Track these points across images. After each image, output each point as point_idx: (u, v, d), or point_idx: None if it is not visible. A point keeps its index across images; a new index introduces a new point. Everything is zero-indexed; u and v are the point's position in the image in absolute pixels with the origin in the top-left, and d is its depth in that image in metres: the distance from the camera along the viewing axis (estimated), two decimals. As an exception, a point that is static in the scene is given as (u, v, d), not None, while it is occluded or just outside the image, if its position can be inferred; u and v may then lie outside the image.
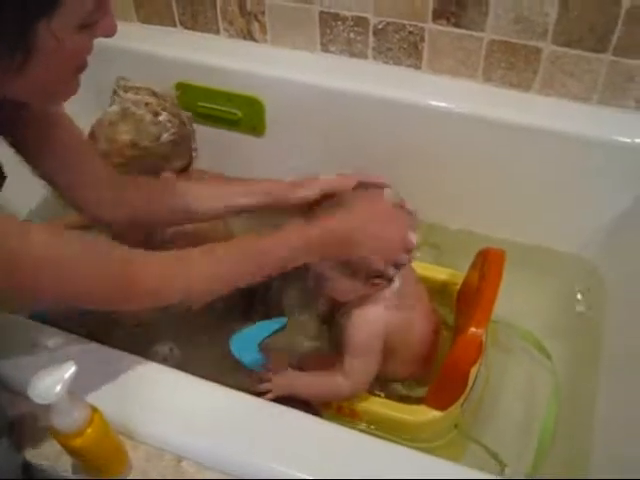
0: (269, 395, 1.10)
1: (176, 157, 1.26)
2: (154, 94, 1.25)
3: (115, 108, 1.21)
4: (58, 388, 0.71)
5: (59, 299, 0.80)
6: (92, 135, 1.20)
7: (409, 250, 1.06)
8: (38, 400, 0.71)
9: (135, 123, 1.20)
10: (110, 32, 0.78)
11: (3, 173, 0.84)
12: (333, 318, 1.24)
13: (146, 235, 1.28)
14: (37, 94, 0.79)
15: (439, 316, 1.28)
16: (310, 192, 1.13)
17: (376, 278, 1.06)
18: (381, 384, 1.22)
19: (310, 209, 1.12)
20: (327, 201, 1.10)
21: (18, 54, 0.69)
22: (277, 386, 1.12)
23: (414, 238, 1.06)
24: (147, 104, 1.23)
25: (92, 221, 1.09)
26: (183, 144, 1.27)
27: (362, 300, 1.11)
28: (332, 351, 1.27)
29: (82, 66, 0.80)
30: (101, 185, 1.04)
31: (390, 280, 1.07)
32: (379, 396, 1.20)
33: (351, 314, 1.12)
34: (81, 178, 1.01)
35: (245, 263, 0.95)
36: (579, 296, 1.46)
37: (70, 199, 1.03)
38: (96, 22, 0.75)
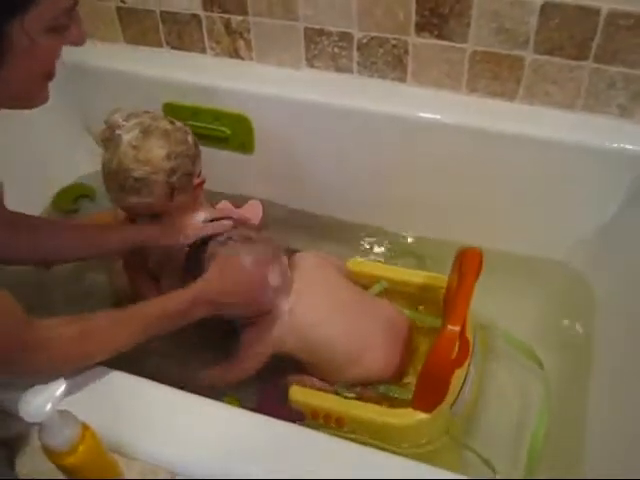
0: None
1: (199, 159, 1.27)
2: (148, 111, 1.26)
3: (132, 134, 1.18)
4: (48, 406, 0.71)
5: None
6: (116, 170, 1.19)
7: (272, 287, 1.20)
8: (28, 419, 0.71)
9: (162, 135, 1.20)
10: (79, 40, 0.79)
11: None
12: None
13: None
14: (6, 98, 0.79)
15: (397, 314, 1.32)
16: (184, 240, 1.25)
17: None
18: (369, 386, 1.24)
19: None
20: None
21: None
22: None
23: (273, 277, 1.20)
24: (161, 117, 1.24)
25: None
26: (198, 146, 1.29)
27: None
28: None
29: (51, 73, 0.80)
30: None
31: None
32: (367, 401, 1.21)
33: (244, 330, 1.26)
34: None
35: (126, 333, 1.01)
36: (568, 305, 1.46)
37: None
38: (67, 27, 0.76)
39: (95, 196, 1.71)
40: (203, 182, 1.28)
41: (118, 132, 1.18)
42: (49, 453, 0.76)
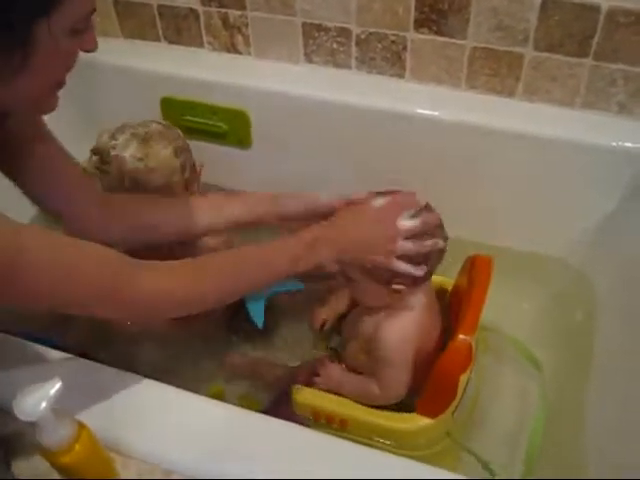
0: (321, 385, 1.17)
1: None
2: (126, 123, 1.24)
3: (132, 148, 1.16)
4: (43, 405, 0.70)
5: (53, 305, 0.79)
6: (132, 186, 1.17)
7: (395, 243, 1.03)
8: (23, 417, 0.70)
9: (160, 137, 1.19)
10: (93, 46, 0.79)
11: None
12: (344, 321, 1.27)
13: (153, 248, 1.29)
14: (17, 104, 0.79)
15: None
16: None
17: (397, 284, 1.06)
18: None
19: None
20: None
21: (17, 55, 0.69)
22: (328, 377, 1.18)
23: (402, 230, 1.03)
24: (146, 121, 1.23)
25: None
26: None
27: (391, 310, 1.11)
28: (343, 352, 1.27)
29: (63, 80, 0.80)
30: (86, 201, 1.04)
31: (412, 283, 1.07)
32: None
33: (382, 324, 1.11)
34: (63, 193, 1.00)
35: (246, 274, 0.99)
36: (568, 302, 1.46)
37: (54, 212, 1.03)
38: (85, 31, 0.76)
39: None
40: (201, 170, 1.27)
41: (114, 153, 1.16)
42: (45, 452, 0.75)
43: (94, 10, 0.76)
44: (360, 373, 1.19)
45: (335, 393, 1.17)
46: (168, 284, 0.89)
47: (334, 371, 1.20)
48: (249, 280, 1.00)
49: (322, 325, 1.30)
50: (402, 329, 1.10)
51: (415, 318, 1.11)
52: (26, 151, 0.93)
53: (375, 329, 1.12)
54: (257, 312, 1.15)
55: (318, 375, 1.20)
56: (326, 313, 1.30)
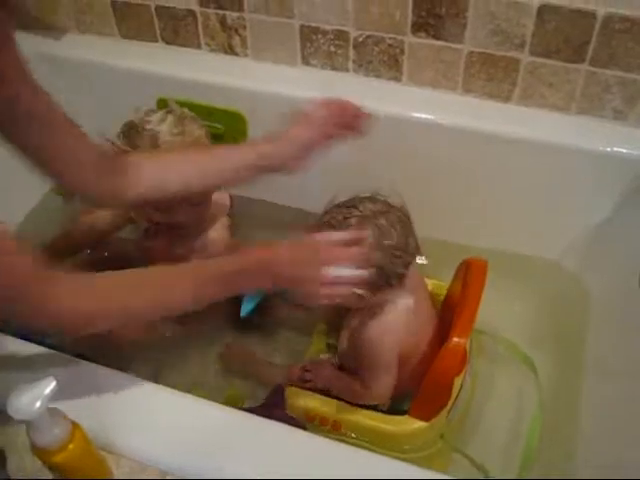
0: (311, 384, 1.18)
1: None
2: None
3: (169, 123, 1.19)
4: (38, 404, 0.70)
5: None
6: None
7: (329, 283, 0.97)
8: (17, 416, 0.70)
9: (194, 119, 1.24)
10: None
11: None
12: (339, 324, 1.25)
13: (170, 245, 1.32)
14: None
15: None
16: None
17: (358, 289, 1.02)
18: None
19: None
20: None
21: None
22: (318, 375, 1.20)
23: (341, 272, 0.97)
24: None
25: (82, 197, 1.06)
26: None
27: (376, 311, 1.10)
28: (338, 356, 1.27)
29: None
30: (85, 160, 0.97)
31: (373, 289, 1.04)
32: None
33: (367, 326, 1.11)
34: (61, 154, 0.94)
35: (142, 298, 0.90)
36: (562, 305, 1.46)
37: (53, 175, 0.96)
38: None
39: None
40: None
41: (150, 127, 1.18)
42: (38, 451, 0.75)
43: None
44: (353, 371, 1.19)
45: (326, 391, 1.18)
46: (64, 303, 0.82)
47: (325, 369, 1.21)
48: (144, 304, 0.90)
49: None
50: (383, 329, 1.10)
51: (398, 319, 1.10)
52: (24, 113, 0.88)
53: (359, 326, 1.12)
54: (248, 303, 1.15)
55: (309, 372, 1.21)
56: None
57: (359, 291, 1.01)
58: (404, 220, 1.07)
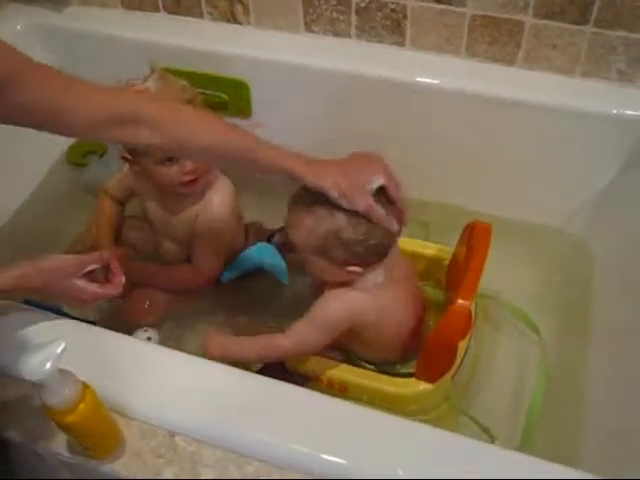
0: (210, 355, 1.15)
1: None
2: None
3: (153, 78, 1.22)
4: (49, 364, 0.72)
5: None
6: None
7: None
8: (29, 377, 0.72)
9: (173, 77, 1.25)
10: None
11: None
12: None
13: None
14: None
15: (423, 295, 1.29)
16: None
17: (352, 266, 1.07)
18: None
19: None
20: None
21: None
22: (210, 345, 1.18)
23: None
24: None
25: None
26: None
27: (340, 284, 1.12)
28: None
29: None
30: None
31: (365, 267, 1.08)
32: (370, 370, 1.21)
33: (326, 292, 1.14)
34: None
35: None
36: (567, 270, 1.47)
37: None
38: None
39: (105, 153, 1.72)
40: None
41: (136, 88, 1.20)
42: (49, 411, 0.77)
43: None
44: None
45: (235, 361, 1.11)
46: None
47: (216, 339, 1.20)
48: None
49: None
50: (337, 301, 1.12)
51: (354, 298, 1.12)
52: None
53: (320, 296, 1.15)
54: (229, 272, 1.31)
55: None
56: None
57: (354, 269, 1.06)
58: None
